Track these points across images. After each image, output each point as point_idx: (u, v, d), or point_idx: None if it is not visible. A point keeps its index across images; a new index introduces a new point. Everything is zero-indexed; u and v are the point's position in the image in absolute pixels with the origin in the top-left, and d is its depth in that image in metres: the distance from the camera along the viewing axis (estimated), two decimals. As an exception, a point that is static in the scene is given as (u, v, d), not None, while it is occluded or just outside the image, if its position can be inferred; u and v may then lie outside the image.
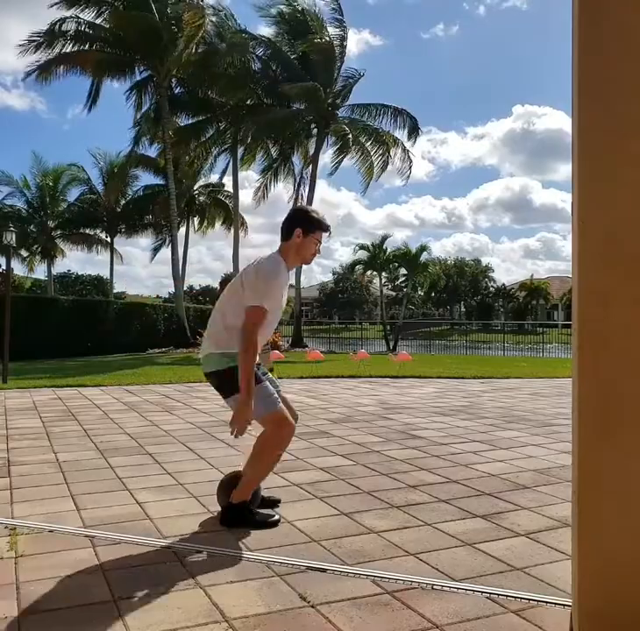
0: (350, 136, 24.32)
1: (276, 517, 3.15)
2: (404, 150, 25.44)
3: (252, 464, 3.09)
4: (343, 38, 25.00)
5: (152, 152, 28.20)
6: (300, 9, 24.80)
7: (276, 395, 3.12)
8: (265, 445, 3.05)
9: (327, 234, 3.31)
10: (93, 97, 23.73)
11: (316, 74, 24.05)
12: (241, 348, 2.95)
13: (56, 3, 21.35)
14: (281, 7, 24.73)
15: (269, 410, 3.03)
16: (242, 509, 3.09)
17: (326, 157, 25.76)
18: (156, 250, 35.10)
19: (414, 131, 25.08)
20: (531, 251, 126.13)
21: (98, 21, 22.20)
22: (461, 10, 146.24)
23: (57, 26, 21.57)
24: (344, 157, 25.54)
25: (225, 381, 3.08)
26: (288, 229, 3.22)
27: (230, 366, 3.04)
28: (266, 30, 25.46)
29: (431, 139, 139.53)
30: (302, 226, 3.19)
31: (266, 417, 3.03)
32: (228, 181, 29.64)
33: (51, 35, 21.64)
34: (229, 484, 3.18)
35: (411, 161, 25.58)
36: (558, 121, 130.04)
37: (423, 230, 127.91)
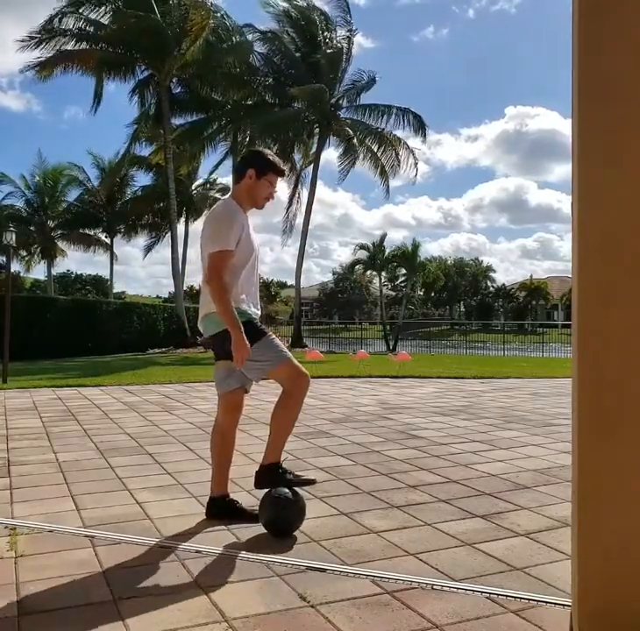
0: (355, 140, 24.30)
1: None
2: (408, 148, 25.42)
3: (279, 421, 3.11)
4: (350, 39, 25.00)
5: (152, 152, 28.23)
6: (309, 6, 24.75)
7: (282, 348, 3.12)
8: (285, 399, 3.08)
9: (281, 178, 3.22)
10: (98, 98, 23.69)
11: (322, 73, 24.03)
12: (215, 297, 2.92)
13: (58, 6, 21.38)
14: (287, 5, 24.70)
15: (281, 361, 3.05)
16: (273, 470, 3.09)
17: (328, 157, 25.80)
18: (149, 248, 35.01)
19: (421, 128, 24.98)
20: (529, 251, 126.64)
21: (100, 20, 22.18)
22: (450, 12, 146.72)
23: (57, 21, 21.49)
24: (354, 163, 25.40)
25: (215, 345, 3.14)
26: (240, 170, 3.15)
27: (217, 332, 3.05)
28: (270, 26, 25.40)
29: (426, 141, 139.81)
30: (255, 167, 3.10)
31: (279, 368, 3.05)
32: (227, 181, 29.64)
33: (50, 32, 21.57)
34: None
35: (417, 160, 25.54)
36: (551, 121, 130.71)
37: (419, 231, 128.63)
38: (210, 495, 3.24)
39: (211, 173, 31.49)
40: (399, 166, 25.55)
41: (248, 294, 3.13)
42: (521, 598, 2.31)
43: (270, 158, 3.15)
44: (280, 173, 3.18)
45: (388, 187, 26.22)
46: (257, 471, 3.17)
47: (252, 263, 3.14)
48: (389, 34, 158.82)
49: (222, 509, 3.18)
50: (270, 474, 3.11)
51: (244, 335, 2.92)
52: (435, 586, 2.41)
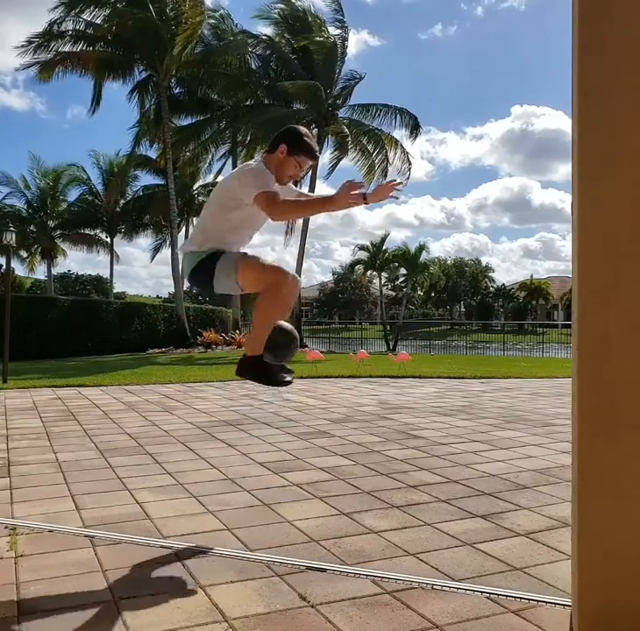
0: (348, 138, 24.40)
1: (289, 378, 3.16)
2: (403, 151, 25.52)
3: (259, 318, 3.06)
4: (344, 39, 25.04)
5: (152, 152, 28.29)
6: (301, 8, 24.84)
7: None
8: (269, 297, 2.97)
9: (312, 163, 3.20)
10: (96, 99, 23.76)
11: (317, 74, 24.10)
12: (298, 214, 3.00)
13: (56, 7, 21.43)
14: (282, 5, 24.76)
15: (264, 262, 2.98)
16: (257, 362, 3.10)
17: (325, 157, 25.79)
18: (156, 250, 35.16)
19: (415, 129, 25.16)
20: (531, 251, 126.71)
21: (98, 21, 22.22)
22: (459, 10, 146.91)
23: (56, 26, 21.59)
24: (342, 159, 25.68)
25: (202, 272, 3.05)
26: (274, 142, 3.12)
27: (202, 258, 3.00)
28: (266, 29, 25.49)
29: (430, 139, 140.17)
30: (289, 144, 3.08)
31: (265, 268, 2.97)
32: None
33: (49, 35, 21.65)
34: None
35: (410, 163, 25.68)
36: (556, 121, 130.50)
37: (422, 231, 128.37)
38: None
39: (216, 177, 31.36)
40: (391, 166, 25.68)
41: (235, 244, 3.09)
42: (521, 598, 2.31)
43: (306, 139, 3.10)
44: (313, 158, 3.15)
45: (370, 187, 26.37)
46: (240, 359, 3.18)
47: (255, 219, 3.12)
48: (397, 32, 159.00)
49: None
50: (251, 364, 3.11)
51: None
52: (435, 586, 2.41)
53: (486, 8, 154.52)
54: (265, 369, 3.12)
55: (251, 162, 3.20)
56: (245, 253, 3.08)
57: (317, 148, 3.20)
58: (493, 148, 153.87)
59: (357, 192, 2.84)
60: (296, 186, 3.29)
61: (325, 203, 2.93)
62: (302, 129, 3.21)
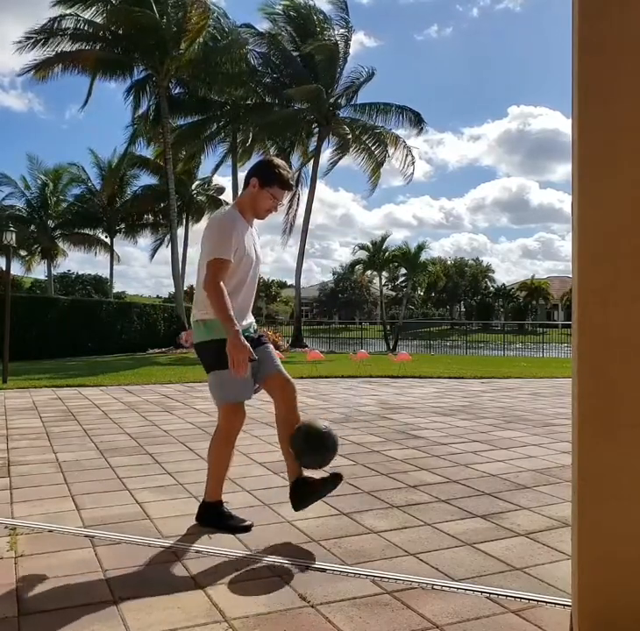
0: (350, 137, 24.38)
1: (248, 522, 3.07)
2: (406, 148, 25.48)
3: (210, 459, 3.12)
4: (347, 38, 25.01)
5: (150, 152, 28.28)
6: (305, 6, 24.77)
7: (241, 386, 3.01)
8: (215, 437, 3.09)
9: (286, 193, 3.11)
10: (87, 97, 23.70)
11: (319, 72, 24.06)
12: (213, 302, 2.85)
13: (56, 4, 21.37)
14: (286, 3, 24.68)
15: (224, 399, 3.02)
16: (213, 509, 3.07)
17: (325, 156, 25.86)
18: (155, 249, 35.17)
19: (418, 124, 25.12)
20: (530, 251, 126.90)
21: (98, 20, 22.17)
22: (454, 11, 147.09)
23: (55, 23, 21.51)
24: (342, 157, 25.68)
25: (207, 355, 3.01)
26: (247, 177, 3.10)
27: (213, 339, 2.94)
28: (268, 26, 25.45)
29: (428, 140, 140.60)
30: (260, 177, 3.03)
31: (220, 406, 3.06)
32: (224, 180, 29.69)
33: (48, 33, 21.57)
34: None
35: (414, 159, 25.61)
36: (554, 121, 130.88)
37: (421, 231, 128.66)
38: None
39: (213, 173, 31.41)
40: (390, 164, 25.74)
41: (235, 308, 2.98)
42: (521, 598, 2.31)
43: (277, 170, 3.02)
44: (286, 188, 3.07)
45: (376, 185, 26.48)
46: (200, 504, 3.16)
47: (244, 274, 3.04)
48: (393, 33, 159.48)
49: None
50: (209, 511, 3.10)
51: (241, 337, 2.82)
52: (435, 586, 2.41)
53: (481, 9, 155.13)
54: (225, 518, 3.08)
55: (223, 209, 3.17)
56: (235, 396, 3.04)
57: (290, 177, 3.15)
58: (490, 148, 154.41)
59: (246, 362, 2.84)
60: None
61: (228, 322, 2.82)
62: (276, 160, 3.15)
